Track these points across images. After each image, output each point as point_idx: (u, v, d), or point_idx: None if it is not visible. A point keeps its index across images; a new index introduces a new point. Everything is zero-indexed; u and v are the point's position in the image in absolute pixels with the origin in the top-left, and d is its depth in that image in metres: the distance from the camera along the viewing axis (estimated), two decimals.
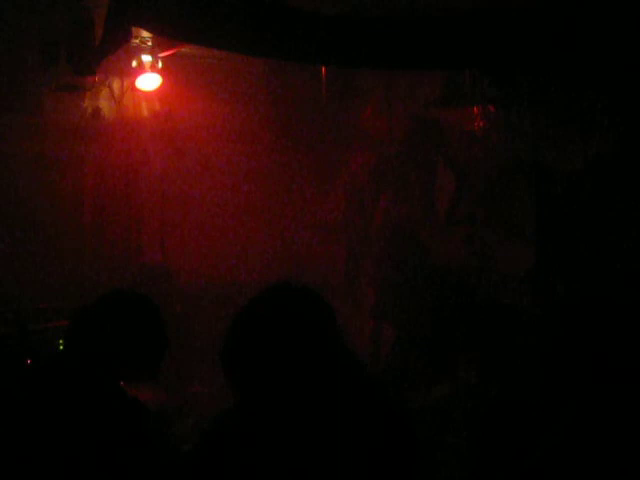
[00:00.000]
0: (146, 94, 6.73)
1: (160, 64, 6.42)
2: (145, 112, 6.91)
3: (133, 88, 6.64)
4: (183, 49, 6.17)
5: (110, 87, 6.70)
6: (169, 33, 4.50)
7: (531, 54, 4.61)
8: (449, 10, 4.52)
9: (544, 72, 5.10)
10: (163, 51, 6.30)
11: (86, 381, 2.48)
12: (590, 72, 5.00)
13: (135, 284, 6.38)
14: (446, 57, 4.64)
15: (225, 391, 2.18)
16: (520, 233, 5.45)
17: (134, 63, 6.41)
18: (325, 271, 6.76)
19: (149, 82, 6.51)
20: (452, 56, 4.61)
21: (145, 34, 6.01)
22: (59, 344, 5.10)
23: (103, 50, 4.44)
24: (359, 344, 5.85)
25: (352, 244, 6.75)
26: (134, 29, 5.30)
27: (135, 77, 6.50)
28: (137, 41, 6.14)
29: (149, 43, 6.22)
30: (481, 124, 5.78)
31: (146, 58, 6.37)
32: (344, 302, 6.33)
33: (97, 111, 6.67)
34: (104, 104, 6.73)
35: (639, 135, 4.82)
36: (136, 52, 6.32)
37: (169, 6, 3.96)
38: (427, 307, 5.60)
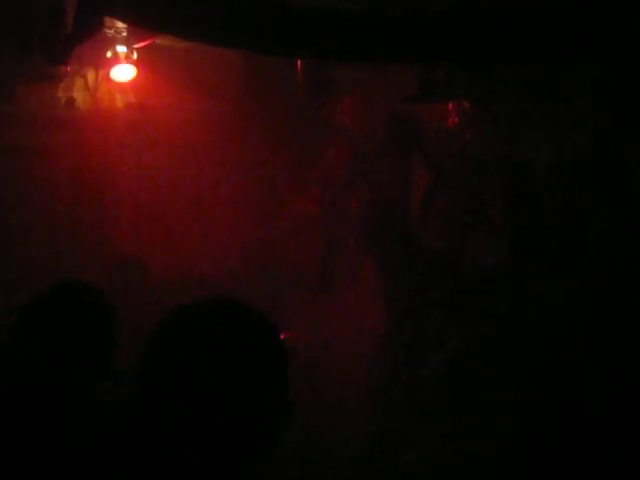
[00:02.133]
0: (121, 85, 6.69)
1: (135, 55, 6.39)
2: (120, 103, 6.87)
3: (108, 79, 6.59)
4: (158, 40, 6.13)
5: (84, 78, 6.65)
6: (140, 23, 4.47)
7: (508, 50, 4.61)
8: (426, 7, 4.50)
9: (520, 67, 5.10)
10: (138, 42, 6.26)
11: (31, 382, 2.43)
12: (567, 69, 5.01)
13: (109, 275, 6.35)
14: (421, 51, 4.63)
15: None
16: (493, 228, 5.47)
17: (109, 54, 6.37)
18: (300, 263, 6.76)
19: (124, 73, 6.48)
20: (427, 50, 4.60)
21: (120, 25, 5.97)
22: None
23: (74, 39, 4.41)
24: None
25: (327, 238, 6.75)
26: (108, 20, 5.28)
27: (110, 68, 6.46)
28: (112, 32, 6.10)
29: (124, 34, 6.18)
30: (456, 120, 5.79)
31: (121, 49, 6.33)
32: (318, 292, 6.35)
33: (71, 101, 6.62)
34: (78, 95, 6.69)
35: (612, 133, 4.85)
36: (111, 43, 6.28)
37: None
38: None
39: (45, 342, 2.45)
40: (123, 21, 5.06)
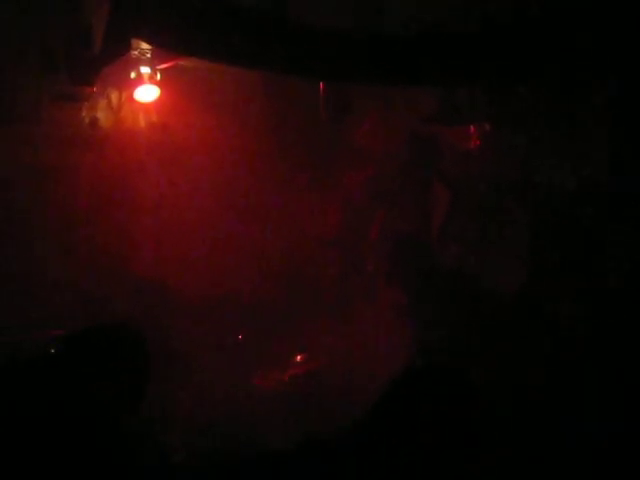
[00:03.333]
0: (144, 105, 6.75)
1: (159, 76, 6.44)
2: (142, 123, 6.93)
3: (131, 99, 6.65)
4: (182, 61, 6.19)
5: (108, 98, 6.72)
6: (169, 45, 4.53)
7: (527, 72, 4.66)
8: (445, 29, 4.55)
9: (539, 89, 5.13)
10: (162, 63, 6.32)
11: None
12: (585, 91, 5.04)
13: (129, 297, 6.39)
14: (442, 74, 4.68)
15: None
16: (513, 251, 5.47)
17: (133, 74, 6.43)
18: (319, 285, 6.77)
19: (147, 93, 6.54)
20: (448, 73, 4.65)
21: (144, 45, 6.03)
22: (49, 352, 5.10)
23: (102, 61, 4.47)
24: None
25: (346, 259, 6.76)
26: (134, 41, 5.35)
27: (133, 88, 6.52)
28: (136, 52, 6.16)
29: (148, 55, 6.24)
30: (477, 142, 5.81)
31: (145, 69, 6.38)
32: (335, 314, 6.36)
33: (94, 121, 6.69)
34: (102, 114, 6.76)
35: (631, 155, 4.86)
36: (135, 63, 6.33)
37: (170, 19, 3.98)
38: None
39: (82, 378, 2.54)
40: (152, 44, 5.12)
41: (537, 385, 4.89)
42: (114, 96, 6.74)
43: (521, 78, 4.97)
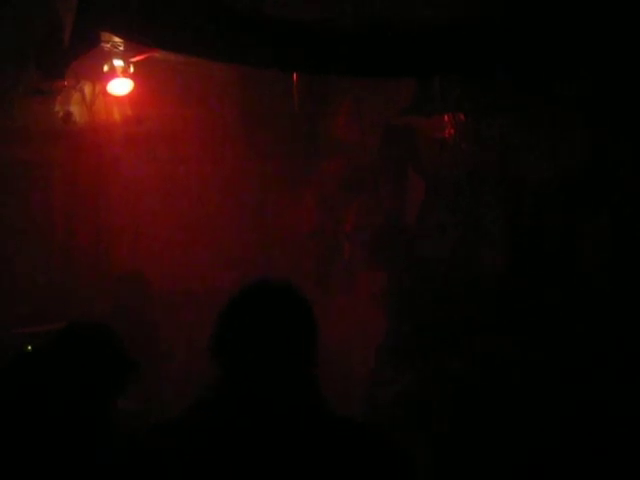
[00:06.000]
0: (118, 99, 6.71)
1: (132, 69, 6.41)
2: (117, 117, 6.89)
3: (105, 93, 6.62)
4: (155, 54, 6.15)
5: (81, 91, 6.67)
6: (138, 39, 4.49)
7: (503, 61, 4.66)
8: (421, 20, 4.54)
9: (514, 79, 5.14)
10: (135, 56, 6.28)
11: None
12: (561, 83, 5.05)
13: (107, 291, 6.35)
14: (416, 65, 4.67)
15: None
16: (489, 241, 5.48)
17: (105, 67, 6.39)
18: (295, 274, 6.76)
19: (121, 86, 6.50)
20: (422, 64, 4.64)
21: (117, 39, 5.97)
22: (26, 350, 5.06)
23: (71, 53, 4.43)
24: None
25: (321, 251, 6.75)
26: (105, 34, 5.30)
27: (107, 81, 6.49)
28: (109, 45, 6.11)
29: (121, 48, 6.19)
30: (451, 132, 5.81)
31: (118, 63, 6.35)
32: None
33: (68, 115, 6.64)
34: (75, 108, 6.71)
35: (608, 145, 4.87)
36: (108, 56, 6.29)
37: (137, 11, 3.95)
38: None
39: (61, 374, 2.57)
40: (120, 35, 5.08)
41: (518, 375, 4.91)
42: (87, 89, 6.69)
43: (495, 68, 4.97)
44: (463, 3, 4.51)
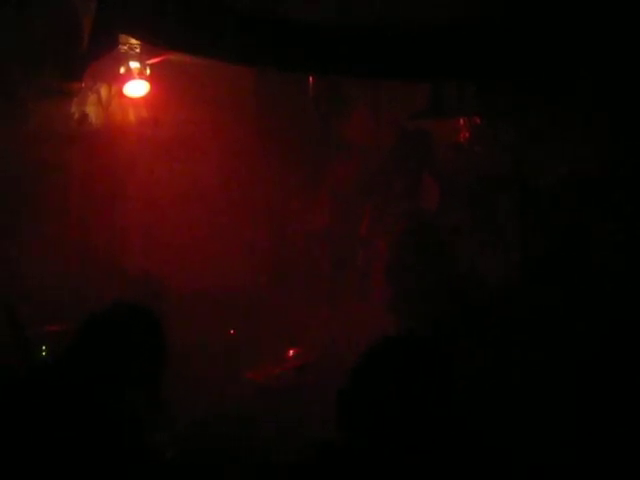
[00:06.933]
0: (134, 100, 6.73)
1: (148, 71, 6.43)
2: (132, 118, 6.91)
3: (121, 94, 6.64)
4: (171, 56, 6.19)
5: (98, 93, 6.70)
6: (155, 40, 4.52)
7: (514, 65, 4.66)
8: (431, 22, 4.55)
9: (527, 83, 5.14)
10: (151, 58, 6.31)
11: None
12: (570, 87, 5.05)
13: (121, 293, 6.36)
14: (430, 68, 4.68)
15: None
16: (503, 242, 5.48)
17: (122, 69, 6.40)
18: (310, 278, 6.77)
19: (137, 88, 6.52)
20: (436, 67, 4.65)
21: (133, 41, 6.02)
22: (42, 350, 5.10)
23: (90, 56, 4.46)
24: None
25: (337, 254, 6.76)
26: (122, 36, 5.34)
27: (123, 83, 6.50)
28: (125, 47, 6.14)
29: (137, 50, 6.22)
30: (467, 135, 5.82)
31: (134, 64, 6.36)
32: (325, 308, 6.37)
33: (84, 117, 6.67)
34: (91, 110, 6.73)
35: (620, 149, 4.87)
36: (124, 58, 6.31)
37: (155, 14, 3.97)
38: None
39: (100, 362, 2.52)
40: (138, 39, 5.11)
41: (524, 372, 4.90)
42: (103, 91, 6.72)
43: (509, 71, 4.98)
44: (463, 3, 4.51)
